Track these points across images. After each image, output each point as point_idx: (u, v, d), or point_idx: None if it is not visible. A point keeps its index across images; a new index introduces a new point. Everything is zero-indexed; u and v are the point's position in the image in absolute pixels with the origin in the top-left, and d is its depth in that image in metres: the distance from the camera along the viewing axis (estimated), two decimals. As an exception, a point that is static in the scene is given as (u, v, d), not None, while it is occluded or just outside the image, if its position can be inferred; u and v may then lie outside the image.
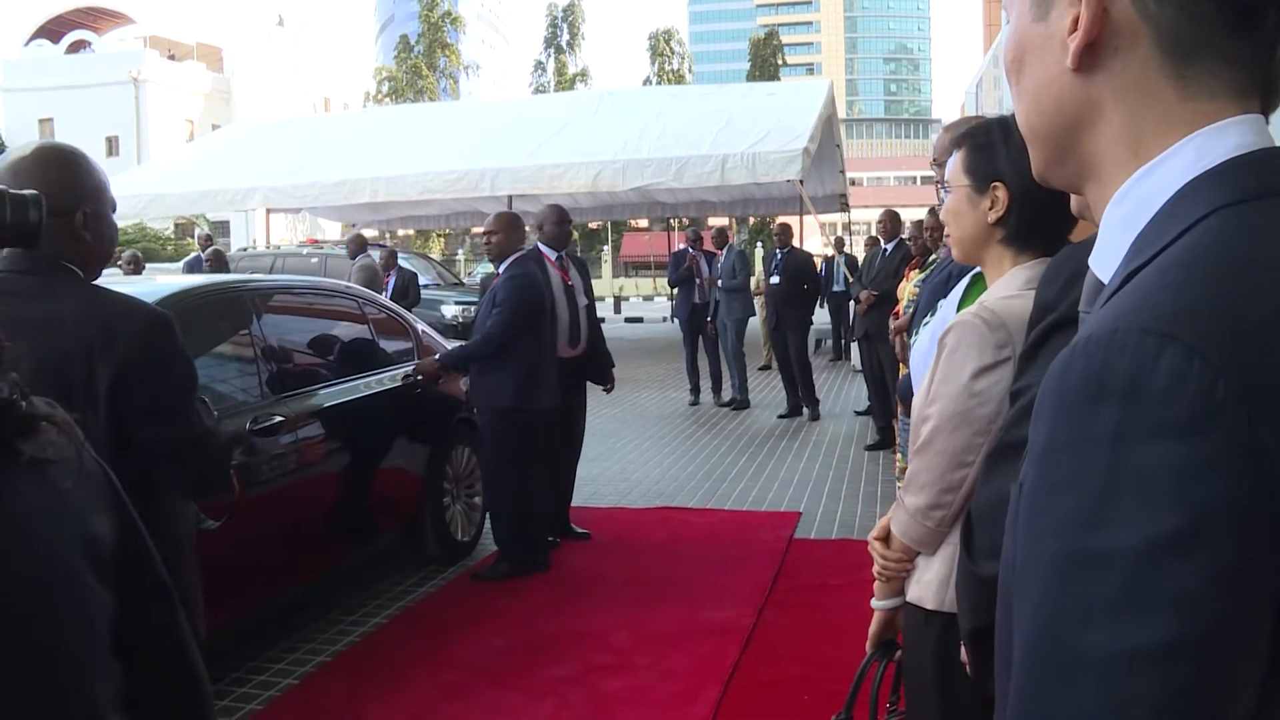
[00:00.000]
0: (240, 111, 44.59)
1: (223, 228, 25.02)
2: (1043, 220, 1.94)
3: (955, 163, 2.07)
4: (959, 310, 2.20)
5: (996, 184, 1.97)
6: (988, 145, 2.01)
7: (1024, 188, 1.93)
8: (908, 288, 6.65)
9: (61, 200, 2.09)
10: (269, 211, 18.04)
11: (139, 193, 16.40)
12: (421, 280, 13.84)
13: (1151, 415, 0.63)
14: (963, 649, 1.76)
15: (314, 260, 15.14)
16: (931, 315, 2.51)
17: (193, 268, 13.36)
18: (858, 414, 10.59)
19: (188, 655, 1.34)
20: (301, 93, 50.05)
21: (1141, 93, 0.78)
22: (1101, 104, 0.80)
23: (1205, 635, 0.61)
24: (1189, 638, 0.61)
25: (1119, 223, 0.80)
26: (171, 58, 50.21)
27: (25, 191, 1.27)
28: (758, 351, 15.73)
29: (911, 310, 6.39)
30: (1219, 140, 0.75)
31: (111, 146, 44.90)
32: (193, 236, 27.24)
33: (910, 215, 9.10)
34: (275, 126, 20.25)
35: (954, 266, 3.25)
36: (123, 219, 18.29)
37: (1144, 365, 0.64)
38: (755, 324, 15.01)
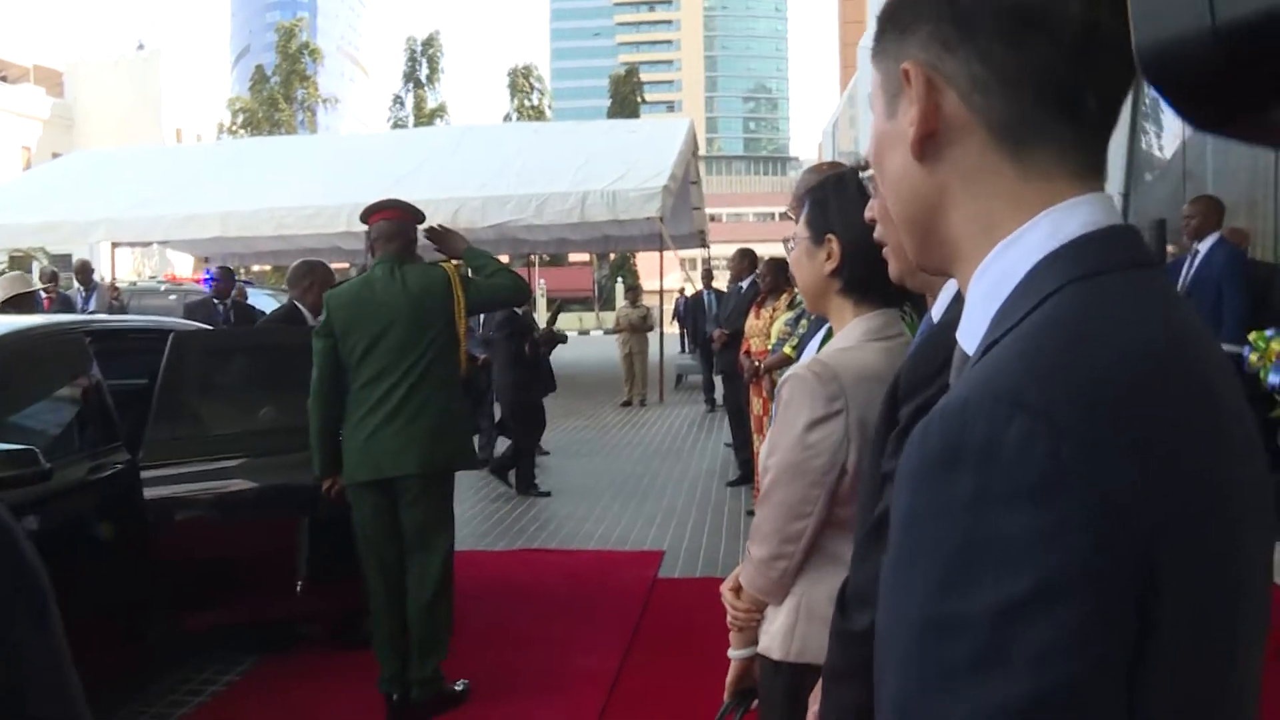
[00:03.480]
0: (84, 140, 42.79)
1: (64, 261, 23.95)
2: (875, 272, 1.99)
3: (802, 216, 2.14)
4: None
5: (830, 236, 2.03)
6: (823, 200, 2.07)
7: (853, 240, 1.99)
8: (776, 325, 6.78)
9: None
10: (114, 245, 17.36)
11: (-33, 223, 15.60)
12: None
13: (1003, 481, 0.65)
14: (811, 700, 1.78)
15: (171, 298, 14.60)
16: None
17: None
18: (727, 445, 10.67)
19: None
20: (151, 122, 48.47)
21: (984, 177, 0.83)
22: (950, 189, 0.85)
23: (1065, 690, 0.63)
24: (1049, 694, 0.63)
25: (981, 297, 0.84)
26: (3, 79, 47.94)
27: None
28: (619, 388, 15.80)
29: (782, 349, 6.52)
30: (1070, 217, 0.80)
31: (-62, 174, 42.64)
32: (30, 271, 25.99)
33: (768, 251, 9.26)
34: (122, 156, 19.47)
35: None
36: (-51, 251, 17.17)
37: (995, 432, 0.66)
38: (616, 359, 15.10)
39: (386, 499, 4.26)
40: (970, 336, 0.84)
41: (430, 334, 4.28)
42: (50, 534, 3.77)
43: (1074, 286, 0.75)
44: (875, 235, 1.61)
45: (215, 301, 10.10)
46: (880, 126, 0.92)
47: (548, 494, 8.78)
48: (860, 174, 2.05)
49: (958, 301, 1.57)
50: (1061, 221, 0.80)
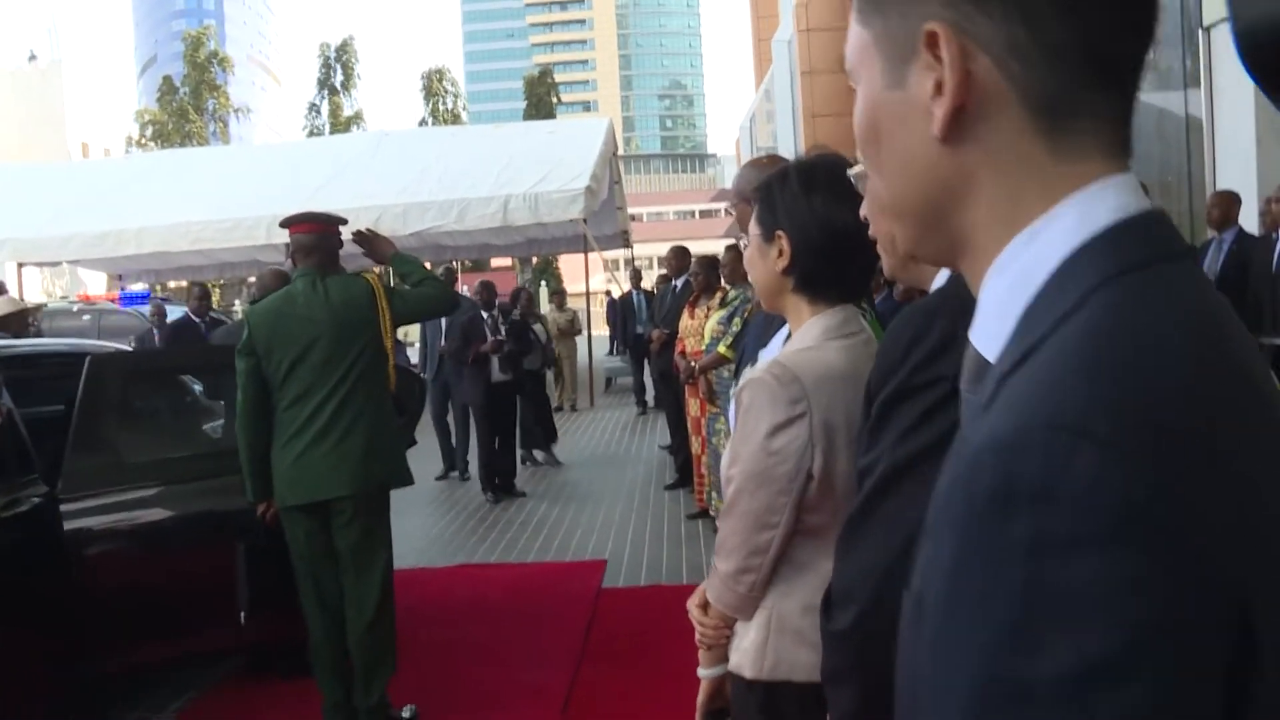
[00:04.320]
0: (-20, 157, 41.55)
1: (-32, 284, 23.28)
2: (828, 268, 1.95)
3: (753, 214, 2.08)
4: None
5: (779, 233, 1.97)
6: (770, 197, 2.01)
7: (800, 237, 1.94)
8: (709, 324, 6.73)
9: None
10: (20, 266, 16.80)
11: None
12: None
13: (1069, 525, 0.56)
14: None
15: (86, 319, 14.16)
16: (753, 365, 2.48)
17: None
18: (662, 448, 10.63)
19: None
20: (54, 136, 47.13)
21: (1015, 158, 0.73)
22: (974, 173, 0.74)
23: None
24: None
25: (1002, 295, 0.73)
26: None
27: None
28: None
29: (716, 348, 6.48)
30: (1099, 203, 0.70)
31: None
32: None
33: (695, 249, 9.23)
34: (25, 172, 18.84)
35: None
36: None
37: (1056, 468, 0.57)
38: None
39: (319, 521, 4.11)
40: (989, 338, 0.75)
41: (356, 348, 4.13)
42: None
43: (1113, 286, 0.66)
44: (870, 233, 1.53)
45: (196, 320, 10.13)
46: (877, 97, 0.79)
47: (493, 501, 8.83)
48: (820, 167, 1.98)
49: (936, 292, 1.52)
50: (1089, 209, 0.70)
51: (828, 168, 1.95)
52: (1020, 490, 0.57)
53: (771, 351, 2.23)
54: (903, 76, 0.76)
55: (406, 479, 4.37)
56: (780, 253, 1.97)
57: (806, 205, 1.94)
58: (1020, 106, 0.71)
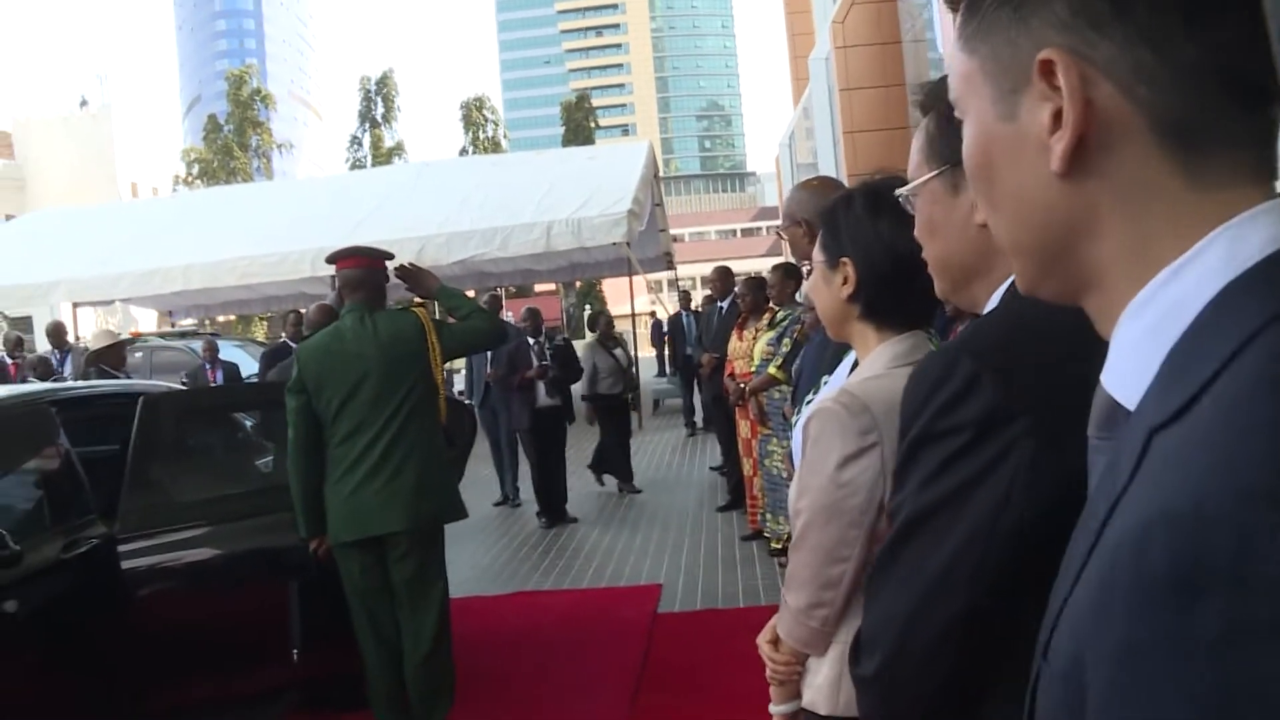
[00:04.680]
0: (36, 200, 42.28)
1: (25, 324, 23.67)
2: (894, 295, 1.90)
3: (817, 240, 2.03)
4: None
5: (844, 260, 1.92)
6: (834, 222, 1.96)
7: (866, 263, 1.90)
8: (758, 346, 6.69)
9: None
10: (75, 305, 17.08)
11: (-78, 290, 15.29)
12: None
13: (1270, 609, 0.49)
14: None
15: (138, 355, 14.32)
16: (814, 392, 2.41)
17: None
18: (713, 469, 10.59)
19: None
20: (105, 178, 48.00)
21: (1145, 190, 0.66)
22: (1099, 209, 0.68)
23: None
24: None
25: (1142, 336, 0.67)
26: (-51, 146, 47.42)
27: None
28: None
29: (766, 370, 6.43)
30: (1251, 233, 0.63)
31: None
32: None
33: (738, 268, 9.19)
34: (78, 215, 19.17)
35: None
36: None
37: (1251, 545, 0.49)
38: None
39: (374, 557, 4.10)
40: (1124, 383, 0.68)
41: (406, 384, 4.12)
42: (23, 620, 3.58)
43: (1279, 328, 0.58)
44: (923, 254, 1.49)
45: (293, 345, 10.29)
46: (988, 128, 0.74)
47: (546, 526, 8.84)
48: (885, 190, 1.93)
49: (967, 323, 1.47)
50: (1238, 241, 0.63)
51: (892, 191, 1.90)
52: (1208, 572, 0.51)
53: (838, 379, 2.17)
54: (1014, 107, 0.71)
55: (459, 513, 4.35)
56: (845, 280, 1.92)
57: (872, 231, 1.89)
58: (1149, 134, 0.66)
